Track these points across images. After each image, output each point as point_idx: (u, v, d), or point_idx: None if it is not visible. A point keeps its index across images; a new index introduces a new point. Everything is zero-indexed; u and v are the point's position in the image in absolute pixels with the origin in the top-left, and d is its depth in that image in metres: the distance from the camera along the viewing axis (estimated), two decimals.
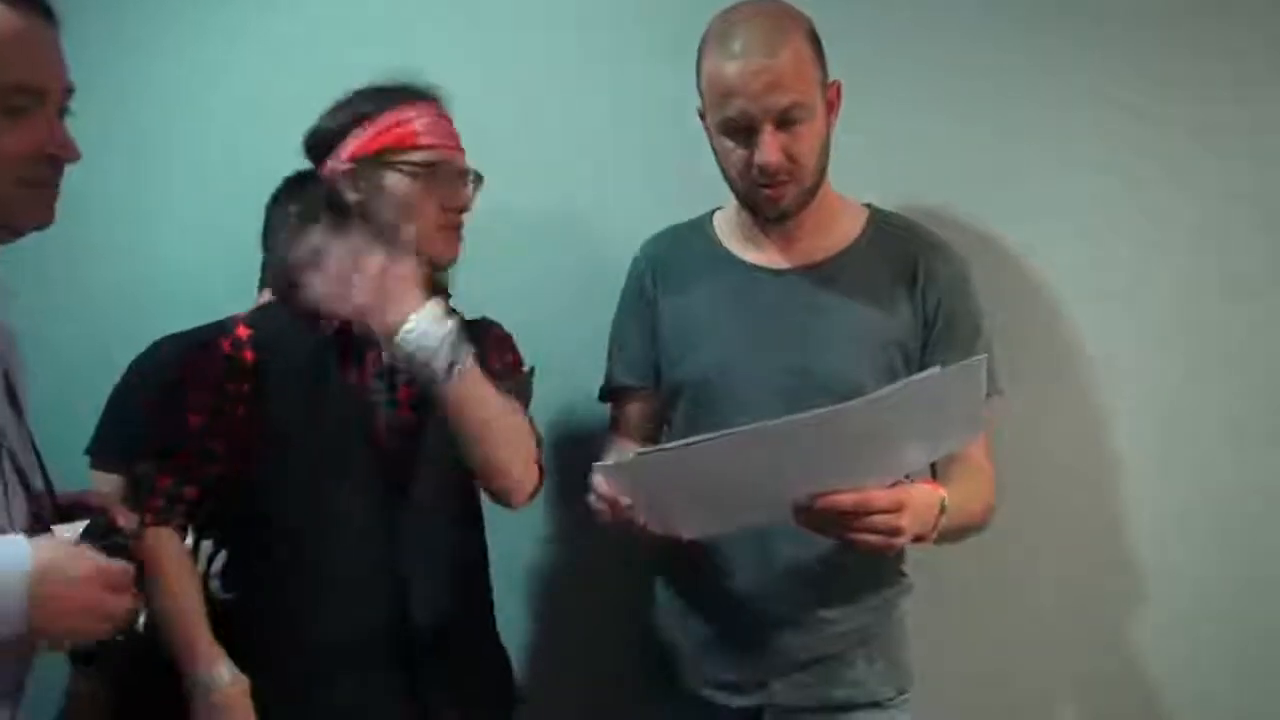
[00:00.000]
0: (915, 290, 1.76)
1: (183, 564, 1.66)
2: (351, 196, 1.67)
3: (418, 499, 1.68)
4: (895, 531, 1.53)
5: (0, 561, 1.17)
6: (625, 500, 1.54)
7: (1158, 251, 1.98)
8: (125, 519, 1.37)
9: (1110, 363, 1.99)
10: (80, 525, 1.29)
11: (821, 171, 1.73)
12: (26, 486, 1.30)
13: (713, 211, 1.88)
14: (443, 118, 1.72)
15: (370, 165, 1.66)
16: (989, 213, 2.01)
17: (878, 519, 1.52)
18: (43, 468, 1.35)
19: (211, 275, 2.22)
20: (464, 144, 1.74)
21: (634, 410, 1.89)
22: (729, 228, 1.84)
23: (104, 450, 1.97)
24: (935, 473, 1.73)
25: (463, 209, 1.71)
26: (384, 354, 1.62)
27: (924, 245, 1.79)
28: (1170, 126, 1.96)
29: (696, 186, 1.85)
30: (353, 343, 1.67)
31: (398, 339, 1.53)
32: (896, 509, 1.53)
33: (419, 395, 1.64)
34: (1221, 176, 1.95)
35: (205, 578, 1.73)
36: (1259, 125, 1.94)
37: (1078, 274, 2.00)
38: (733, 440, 1.43)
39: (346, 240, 1.53)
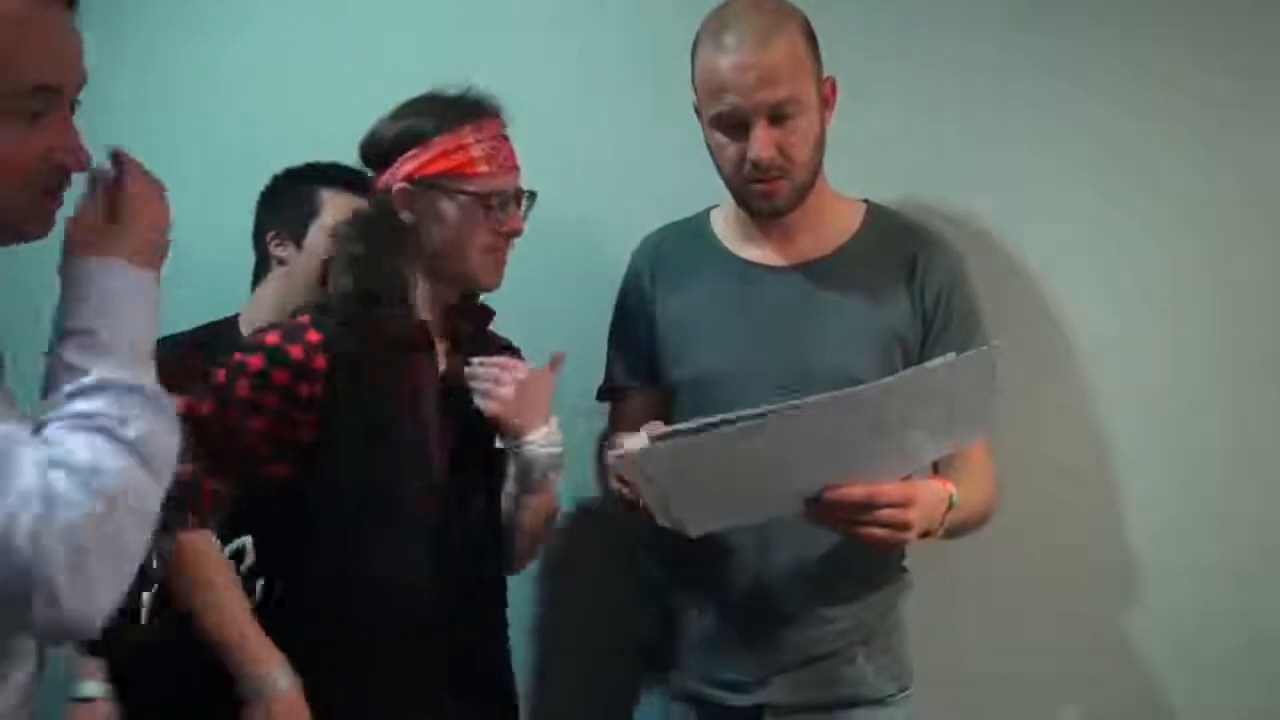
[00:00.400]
0: (913, 285, 1.76)
1: (226, 566, 1.65)
2: (406, 217, 1.67)
3: (467, 507, 1.72)
4: (904, 526, 1.54)
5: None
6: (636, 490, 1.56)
7: (1157, 251, 1.97)
8: None
9: (1109, 362, 1.99)
10: None
11: (816, 167, 1.73)
12: None
13: (710, 209, 1.89)
14: (502, 138, 1.69)
15: (425, 189, 1.65)
16: (986, 211, 2.00)
17: (886, 513, 1.52)
18: None
19: (205, 274, 2.22)
20: None
21: (633, 409, 1.88)
22: (727, 225, 1.85)
23: None
24: (936, 470, 1.73)
25: (515, 235, 1.70)
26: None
27: (921, 240, 1.79)
28: (1169, 126, 1.95)
29: (696, 184, 1.84)
30: (420, 356, 1.69)
31: (520, 444, 1.69)
32: (906, 503, 1.53)
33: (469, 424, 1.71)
34: (1222, 175, 1.94)
35: None
36: (1259, 124, 1.93)
37: (1075, 273, 1.99)
38: (745, 426, 1.43)
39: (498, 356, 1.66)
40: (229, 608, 1.61)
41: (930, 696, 1.85)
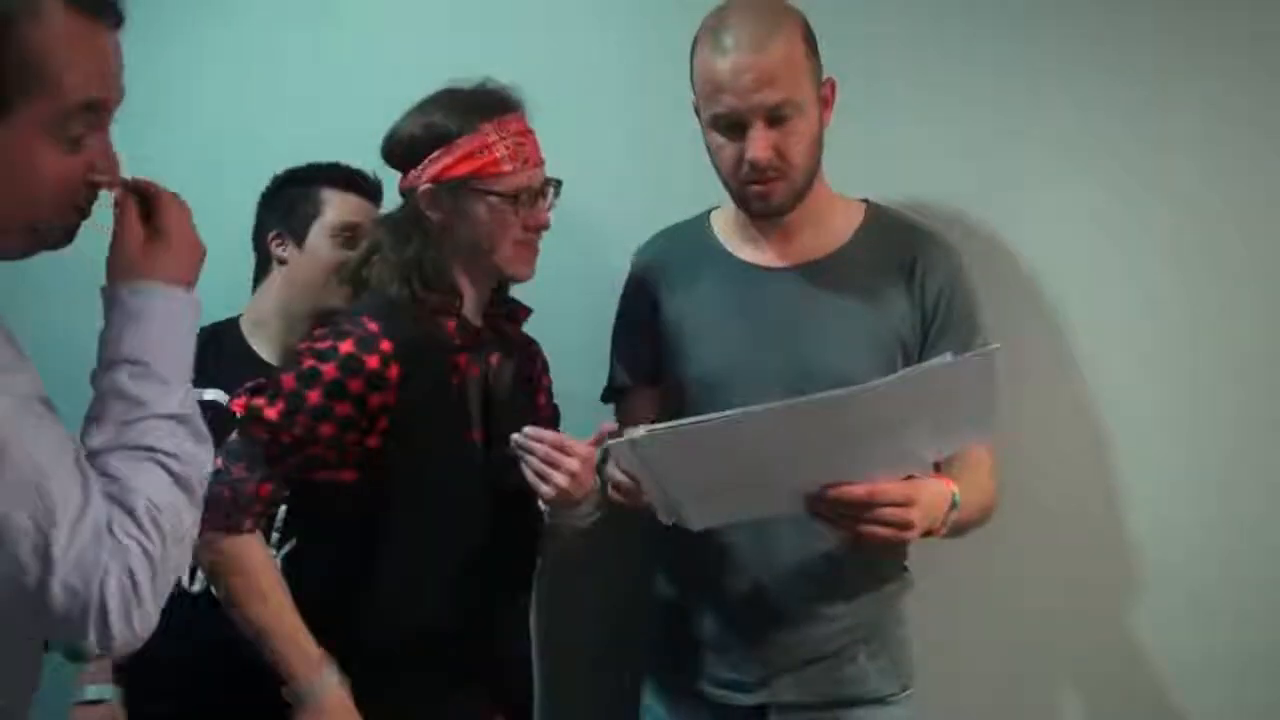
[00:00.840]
0: (913, 284, 1.76)
1: (274, 568, 1.64)
2: (434, 216, 1.67)
3: (512, 508, 1.73)
4: (905, 525, 1.54)
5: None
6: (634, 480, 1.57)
7: (1159, 251, 1.96)
8: None
9: (1110, 362, 1.98)
10: None
11: (814, 168, 1.73)
12: None
13: (710, 211, 1.88)
14: (525, 132, 1.69)
15: (452, 190, 1.66)
16: (986, 211, 2.00)
17: (888, 511, 1.53)
18: None
19: (205, 276, 2.23)
20: None
21: (637, 410, 1.88)
22: (727, 226, 1.85)
23: None
24: (938, 467, 1.72)
25: (544, 228, 1.71)
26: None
27: (921, 240, 1.79)
28: (1171, 126, 1.95)
29: (699, 185, 1.83)
30: (472, 356, 1.71)
31: (570, 513, 1.70)
32: (908, 502, 1.54)
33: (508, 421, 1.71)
34: (1224, 175, 1.94)
35: None
36: (1261, 124, 1.93)
37: (1075, 274, 1.99)
38: (745, 419, 1.43)
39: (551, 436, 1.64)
40: (280, 614, 1.60)
41: (932, 693, 1.85)
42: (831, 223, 1.79)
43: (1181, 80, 1.94)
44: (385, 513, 1.64)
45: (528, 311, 1.80)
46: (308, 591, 1.63)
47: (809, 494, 1.53)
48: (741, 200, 1.74)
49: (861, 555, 1.72)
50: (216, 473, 1.54)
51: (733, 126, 1.66)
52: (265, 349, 2.01)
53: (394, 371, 1.60)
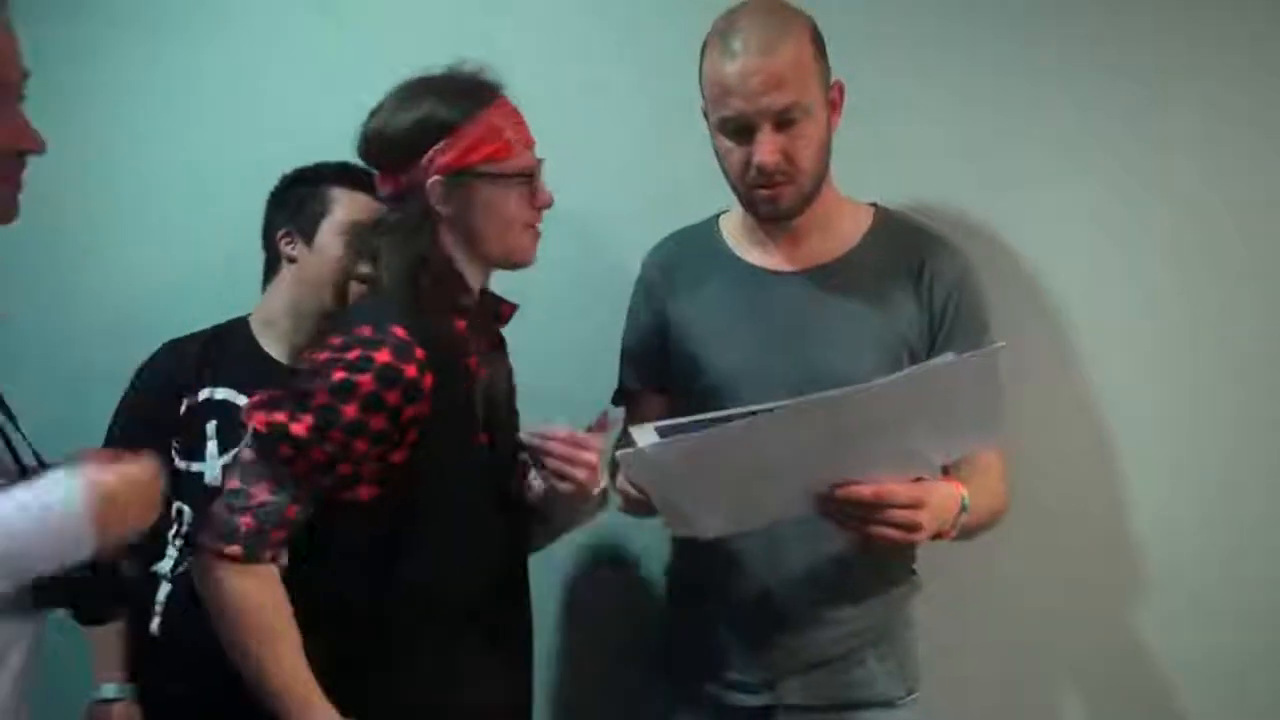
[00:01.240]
0: (921, 289, 1.76)
1: (288, 608, 1.50)
2: (443, 210, 1.60)
3: (513, 509, 1.72)
4: (914, 527, 1.54)
5: (49, 491, 1.22)
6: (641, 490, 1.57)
7: (1159, 251, 1.97)
8: None
9: (1115, 364, 1.99)
10: None
11: (822, 172, 1.73)
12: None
13: (719, 214, 1.88)
14: (517, 112, 1.65)
15: (465, 179, 1.60)
16: (987, 213, 2.01)
17: (897, 513, 1.53)
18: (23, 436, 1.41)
19: (209, 277, 2.24)
20: None
21: (647, 413, 1.85)
22: (735, 230, 1.85)
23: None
24: (946, 472, 1.72)
25: (547, 206, 1.67)
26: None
27: (929, 244, 1.79)
28: (1175, 127, 1.95)
29: (700, 181, 1.83)
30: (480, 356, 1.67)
31: (581, 509, 1.72)
32: (916, 504, 1.54)
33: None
34: (1224, 177, 1.94)
35: None
36: (1263, 124, 1.93)
37: (1081, 275, 2.00)
38: (754, 422, 1.43)
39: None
40: (285, 662, 1.48)
41: (939, 697, 1.86)
42: (840, 226, 1.79)
43: (1181, 80, 1.94)
44: (408, 529, 1.56)
45: (512, 307, 1.73)
46: (323, 621, 1.51)
47: (818, 494, 1.53)
48: (749, 204, 1.74)
49: (869, 558, 1.72)
50: (232, 494, 1.49)
51: (740, 130, 1.66)
52: (275, 347, 2.01)
53: (429, 380, 1.52)
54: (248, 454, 1.51)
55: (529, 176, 1.64)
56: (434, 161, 1.59)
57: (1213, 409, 1.96)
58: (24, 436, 1.41)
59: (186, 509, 1.95)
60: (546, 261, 1.70)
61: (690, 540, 1.62)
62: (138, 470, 1.29)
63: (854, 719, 1.77)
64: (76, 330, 2.34)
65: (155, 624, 1.96)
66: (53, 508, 1.20)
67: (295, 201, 2.02)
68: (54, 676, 1.47)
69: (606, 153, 2.12)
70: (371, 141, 1.64)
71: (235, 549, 1.46)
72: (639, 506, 1.65)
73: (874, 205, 1.84)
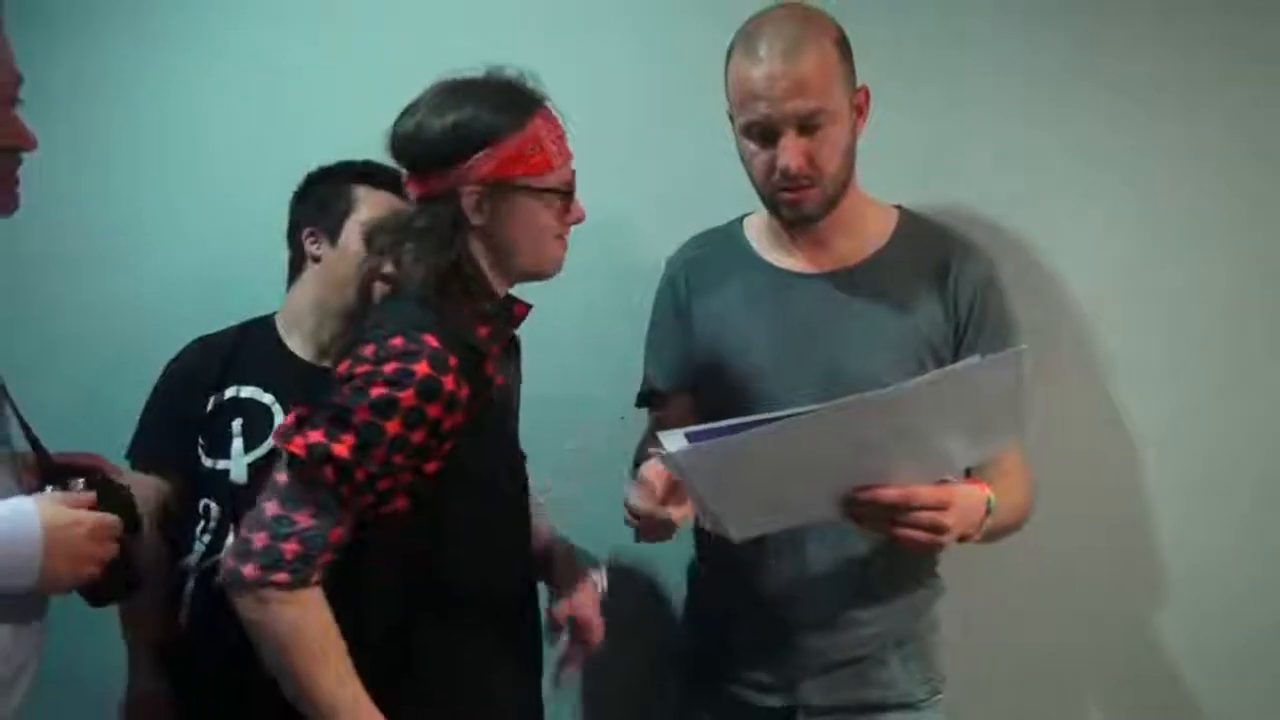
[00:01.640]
0: (946, 292, 1.75)
1: (335, 627, 1.47)
2: (475, 219, 1.56)
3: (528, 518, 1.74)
4: (940, 529, 1.53)
5: (14, 523, 1.32)
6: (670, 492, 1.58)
7: (1183, 251, 1.96)
8: (117, 474, 1.54)
9: (1135, 366, 1.99)
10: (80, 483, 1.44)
11: (847, 176, 1.73)
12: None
13: (744, 216, 1.88)
14: (559, 124, 1.61)
15: (501, 190, 1.56)
16: (1014, 217, 2.00)
17: (923, 515, 1.52)
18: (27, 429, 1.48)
19: (234, 275, 2.25)
20: None
21: (671, 414, 1.88)
22: (760, 233, 1.85)
23: (143, 451, 2.00)
24: (970, 474, 1.71)
25: (579, 222, 1.65)
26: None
27: (954, 247, 1.78)
28: (1199, 135, 1.94)
29: (731, 191, 1.82)
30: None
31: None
32: (942, 507, 1.53)
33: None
34: (1256, 174, 1.93)
35: None
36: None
37: (1104, 278, 1.99)
38: (784, 425, 1.43)
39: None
40: (342, 675, 1.46)
41: (962, 698, 1.86)
42: (864, 229, 1.79)
43: (1210, 89, 1.93)
44: (440, 537, 1.56)
45: (526, 307, 1.69)
46: (366, 641, 1.50)
47: (843, 497, 1.53)
48: (774, 207, 1.74)
49: (894, 561, 1.73)
50: (276, 521, 1.44)
51: (765, 134, 1.66)
52: (300, 346, 2.02)
53: (465, 391, 1.49)
54: (285, 477, 1.47)
55: (566, 192, 1.61)
56: (473, 170, 1.55)
57: (1236, 412, 1.95)
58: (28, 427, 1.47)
59: (214, 506, 1.96)
60: (576, 265, 1.71)
61: (717, 543, 1.62)
62: (98, 523, 1.40)
63: None
64: (104, 329, 2.36)
65: (183, 615, 1.98)
66: (13, 539, 1.32)
67: (319, 200, 2.03)
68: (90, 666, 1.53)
69: (615, 156, 2.10)
70: (405, 141, 1.59)
71: (283, 576, 1.43)
72: (645, 523, 1.63)
73: (899, 207, 1.84)
